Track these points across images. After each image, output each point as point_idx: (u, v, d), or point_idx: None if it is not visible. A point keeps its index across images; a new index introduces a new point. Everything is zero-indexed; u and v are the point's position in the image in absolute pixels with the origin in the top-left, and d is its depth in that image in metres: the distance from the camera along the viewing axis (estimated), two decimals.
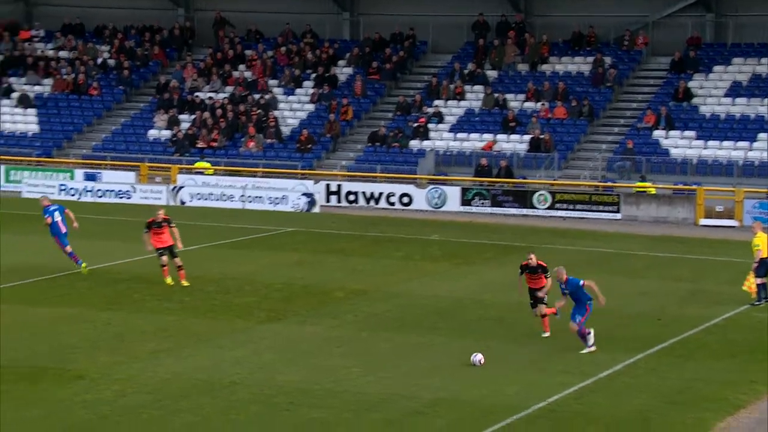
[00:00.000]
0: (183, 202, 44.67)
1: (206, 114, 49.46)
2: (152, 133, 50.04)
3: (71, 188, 45.50)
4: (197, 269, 30.41)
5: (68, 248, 29.38)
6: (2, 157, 48.49)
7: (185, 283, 27.85)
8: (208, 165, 46.75)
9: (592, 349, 22.18)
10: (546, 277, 23.54)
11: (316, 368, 20.93)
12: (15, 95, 52.06)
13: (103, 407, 18.42)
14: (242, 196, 44.43)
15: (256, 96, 50.43)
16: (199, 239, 35.67)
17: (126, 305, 25.94)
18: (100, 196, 44.97)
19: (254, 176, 45.98)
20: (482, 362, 21.05)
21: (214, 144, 48.63)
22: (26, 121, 51.30)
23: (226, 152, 48.40)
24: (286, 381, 20.03)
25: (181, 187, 45.10)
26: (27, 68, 53.55)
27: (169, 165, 46.88)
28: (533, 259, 23.77)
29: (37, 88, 52.85)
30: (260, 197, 44.31)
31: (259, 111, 49.48)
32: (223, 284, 28.45)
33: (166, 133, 49.62)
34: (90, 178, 46.61)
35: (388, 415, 18.53)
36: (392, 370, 20.95)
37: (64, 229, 29.51)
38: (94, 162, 48.07)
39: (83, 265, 29.32)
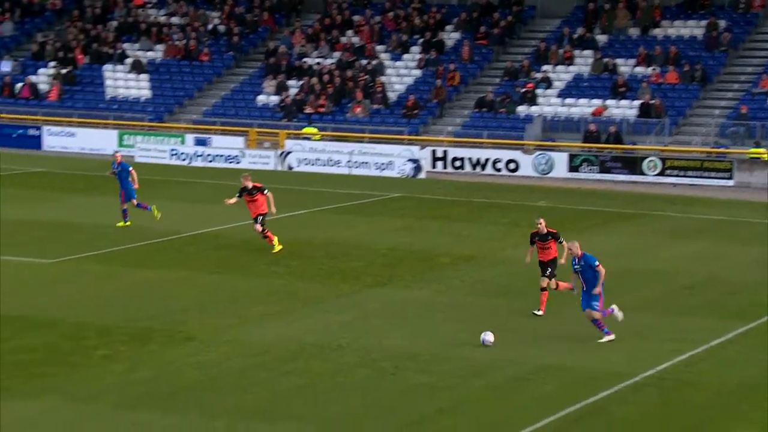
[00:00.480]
0: (290, 168, 45.03)
1: (314, 80, 49.68)
2: (261, 99, 50.46)
3: (182, 153, 46.20)
4: (304, 234, 30.69)
5: (125, 205, 30.60)
6: (116, 122, 49.43)
7: (278, 246, 27.58)
8: (315, 130, 47.00)
9: (611, 337, 20.26)
10: (559, 242, 22.06)
11: (422, 333, 20.97)
12: (128, 61, 52.94)
13: (212, 369, 18.73)
14: (349, 161, 44.60)
15: (364, 61, 50.46)
16: (305, 204, 35.96)
17: (234, 269, 26.28)
18: (210, 161, 45.57)
19: (361, 142, 46.10)
20: (491, 342, 19.85)
21: (322, 109, 48.85)
22: (139, 87, 52.17)
23: (333, 118, 48.59)
24: (392, 345, 20.10)
25: (289, 153, 45.46)
26: (140, 34, 54.39)
27: (277, 130, 47.25)
28: (542, 225, 22.37)
29: (149, 54, 53.67)
30: (366, 163, 44.41)
31: (366, 76, 49.52)
32: (330, 249, 28.63)
33: (275, 99, 49.99)
34: (200, 143, 47.25)
35: (493, 380, 18.49)
36: (498, 336, 20.87)
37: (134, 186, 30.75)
38: (204, 127, 48.70)
39: (128, 223, 30.50)
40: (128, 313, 22.04)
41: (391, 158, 44.25)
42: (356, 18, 53.04)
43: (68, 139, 48.73)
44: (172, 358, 19.26)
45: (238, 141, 47.17)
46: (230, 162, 45.31)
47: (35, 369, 18.43)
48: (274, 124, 48.12)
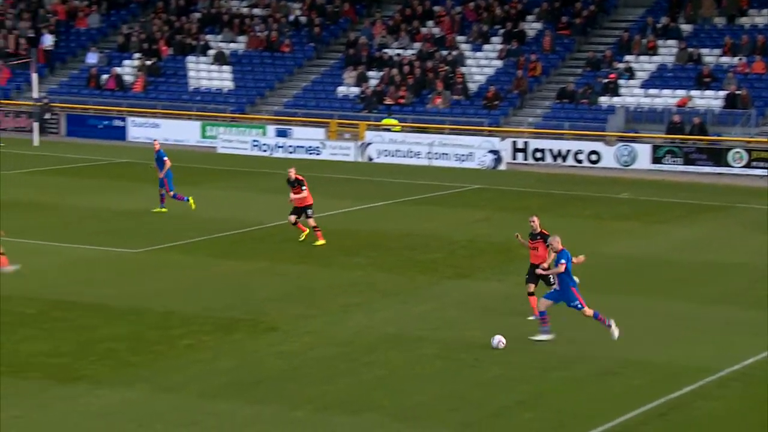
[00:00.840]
0: (370, 159, 45.14)
1: (394, 71, 49.72)
2: (341, 90, 50.64)
3: (264, 144, 46.57)
4: (383, 225, 30.79)
5: (172, 191, 31.42)
6: (199, 113, 49.98)
7: (321, 241, 27.66)
8: (395, 122, 47.03)
9: (548, 337, 19.56)
10: (547, 245, 20.86)
11: (501, 325, 20.90)
12: (211, 52, 53.48)
13: (294, 359, 18.88)
14: (428, 152, 44.58)
15: (444, 52, 50.37)
16: (385, 195, 36.06)
17: (315, 260, 26.44)
18: (291, 152, 45.86)
19: (441, 133, 46.05)
20: (502, 345, 19.32)
21: (402, 101, 48.86)
22: (221, 78, 52.66)
23: (414, 109, 48.60)
24: (471, 337, 20.08)
25: (369, 144, 45.58)
26: (223, 26, 54.92)
27: (358, 122, 47.39)
28: (535, 223, 21.32)
29: (232, 45, 54.15)
30: (446, 154, 44.36)
31: (446, 67, 49.43)
32: (409, 240, 28.67)
33: (355, 90, 50.14)
34: (281, 134, 47.58)
35: (575, 374, 18.39)
36: (580, 329, 20.74)
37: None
38: (286, 118, 49.02)
39: (190, 198, 31.32)
40: (212, 303, 22.30)
41: (472, 149, 44.14)
42: (437, 8, 52.94)
43: (152, 130, 49.35)
44: (255, 347, 19.46)
45: (319, 132, 47.40)
46: (311, 153, 45.56)
47: (122, 358, 18.76)
48: (354, 116, 48.26)
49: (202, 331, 20.23)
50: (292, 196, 28.11)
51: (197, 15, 55.87)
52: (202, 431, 15.81)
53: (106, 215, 31.56)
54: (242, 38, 54.19)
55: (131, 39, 54.64)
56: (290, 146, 46.09)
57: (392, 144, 45.36)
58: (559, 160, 44.11)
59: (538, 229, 21.51)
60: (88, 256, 26.32)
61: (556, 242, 19.85)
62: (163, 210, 31.60)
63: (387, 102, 48.94)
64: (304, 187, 27.99)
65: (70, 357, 18.68)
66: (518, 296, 23.23)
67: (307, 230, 28.01)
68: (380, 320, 21.27)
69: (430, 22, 52.55)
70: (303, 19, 54.54)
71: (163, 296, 22.81)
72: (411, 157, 44.64)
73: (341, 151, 45.47)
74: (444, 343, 19.72)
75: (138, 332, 20.19)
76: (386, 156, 44.99)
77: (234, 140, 47.07)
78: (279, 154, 45.87)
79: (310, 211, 27.96)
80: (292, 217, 28.09)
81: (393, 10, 54.25)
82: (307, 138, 46.66)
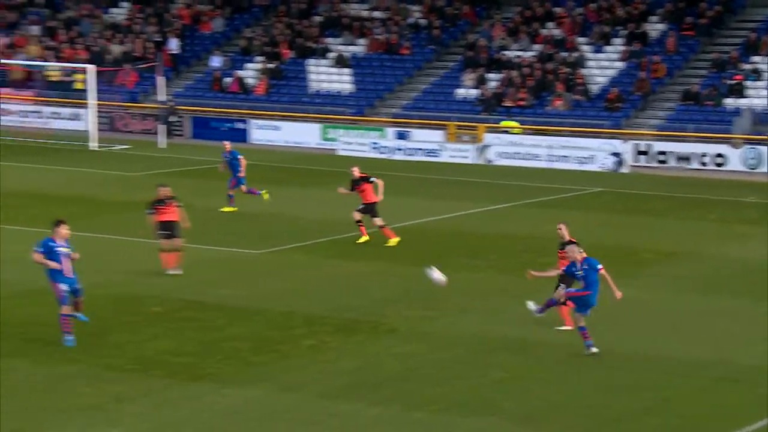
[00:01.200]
0: (489, 161, 45.00)
1: (514, 72, 49.50)
2: (460, 92, 50.60)
3: (383, 146, 46.80)
4: (503, 228, 30.70)
5: (232, 191, 32.34)
6: (319, 115, 50.47)
7: (392, 242, 27.63)
8: (515, 124, 46.79)
9: (595, 350, 18.65)
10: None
11: (623, 330, 20.68)
12: (332, 55, 53.99)
13: (413, 360, 18.95)
14: (548, 155, 44.25)
15: (564, 54, 49.95)
16: (505, 198, 35.93)
17: (434, 262, 26.37)
18: (410, 155, 46.00)
19: (561, 135, 45.67)
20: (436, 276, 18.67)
21: (522, 103, 48.61)
22: (341, 81, 53.12)
23: (533, 111, 48.31)
24: (594, 342, 19.84)
25: (488, 146, 45.44)
26: (343, 29, 55.39)
27: (476, 124, 47.28)
28: (562, 231, 20.53)
29: (352, 48, 54.57)
30: (566, 156, 43.97)
31: (567, 69, 49.01)
32: (530, 243, 28.51)
33: (474, 92, 50.05)
34: (400, 136, 47.76)
35: (699, 380, 18.08)
36: (702, 334, 20.40)
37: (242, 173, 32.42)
38: (405, 120, 49.19)
39: (235, 208, 32.12)
40: (333, 303, 22.52)
41: (593, 152, 43.68)
42: (557, 10, 52.51)
43: (273, 133, 50.05)
44: (376, 349, 19.58)
45: (438, 134, 47.44)
46: (430, 156, 45.63)
47: (245, 357, 19.07)
48: (473, 118, 48.16)
49: (323, 332, 20.43)
50: (343, 190, 28.44)
51: (318, 18, 56.44)
52: (323, 431, 15.98)
53: (229, 216, 32.11)
54: (362, 41, 54.55)
55: (254, 42, 55.47)
56: (409, 148, 46.23)
57: (511, 146, 45.14)
58: (683, 163, 43.35)
59: (567, 237, 20.77)
60: (214, 257, 26.82)
61: (574, 252, 19.13)
62: (265, 194, 32.26)
63: (506, 104, 48.73)
64: (373, 179, 27.98)
65: (194, 356, 19.05)
66: (643, 301, 22.92)
67: (396, 240, 27.82)
68: (500, 322, 21.21)
69: (551, 24, 52.16)
70: (422, 21, 54.65)
71: (285, 296, 23.12)
72: (530, 159, 44.37)
73: (460, 153, 45.44)
74: (567, 347, 19.57)
75: (260, 332, 20.50)
76: (505, 158, 44.79)
77: (353, 142, 47.40)
78: (398, 156, 46.04)
79: (363, 207, 27.86)
80: (357, 215, 27.90)
81: (513, 12, 53.99)
82: (426, 140, 46.74)
